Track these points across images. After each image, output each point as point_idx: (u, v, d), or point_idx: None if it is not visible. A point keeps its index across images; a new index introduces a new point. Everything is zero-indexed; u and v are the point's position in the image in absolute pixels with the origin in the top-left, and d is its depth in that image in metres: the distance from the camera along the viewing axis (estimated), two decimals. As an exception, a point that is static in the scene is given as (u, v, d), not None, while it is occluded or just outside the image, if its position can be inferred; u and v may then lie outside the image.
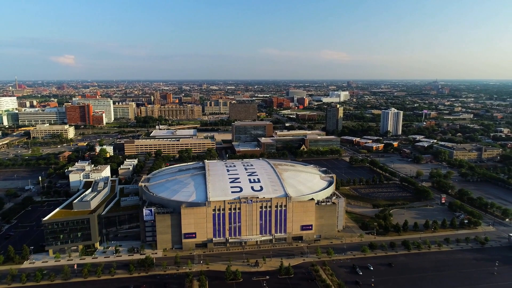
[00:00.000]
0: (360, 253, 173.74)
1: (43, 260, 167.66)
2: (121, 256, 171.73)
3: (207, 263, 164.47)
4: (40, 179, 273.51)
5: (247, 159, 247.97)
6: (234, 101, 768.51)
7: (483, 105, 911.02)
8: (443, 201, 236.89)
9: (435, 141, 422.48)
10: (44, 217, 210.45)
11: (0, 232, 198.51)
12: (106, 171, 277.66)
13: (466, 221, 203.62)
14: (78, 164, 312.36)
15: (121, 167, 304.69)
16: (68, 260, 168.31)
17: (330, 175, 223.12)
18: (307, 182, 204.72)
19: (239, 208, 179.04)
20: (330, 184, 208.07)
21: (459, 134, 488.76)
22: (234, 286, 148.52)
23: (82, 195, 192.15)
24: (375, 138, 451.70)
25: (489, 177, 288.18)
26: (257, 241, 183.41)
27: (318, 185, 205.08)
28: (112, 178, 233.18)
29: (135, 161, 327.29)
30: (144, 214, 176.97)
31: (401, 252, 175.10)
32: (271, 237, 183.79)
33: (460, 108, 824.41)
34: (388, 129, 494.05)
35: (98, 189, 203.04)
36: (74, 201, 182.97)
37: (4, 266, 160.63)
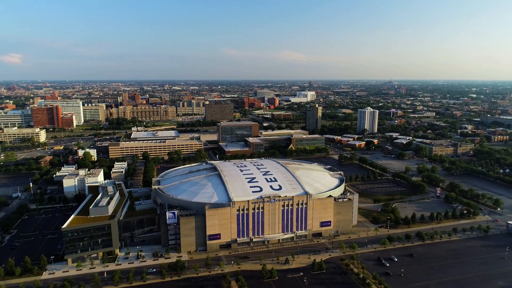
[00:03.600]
0: (380, 245, 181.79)
1: (63, 270, 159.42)
2: (145, 261, 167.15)
3: (238, 263, 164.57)
4: (31, 185, 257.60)
5: (254, 159, 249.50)
6: (207, 102, 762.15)
7: (440, 103, 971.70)
8: (438, 194, 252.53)
9: (411, 138, 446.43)
10: (46, 226, 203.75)
11: (3, 243, 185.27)
12: (100, 175, 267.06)
13: (465, 211, 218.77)
14: (64, 169, 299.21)
15: (113, 170, 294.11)
16: (90, 268, 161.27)
17: (338, 172, 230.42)
18: (321, 180, 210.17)
19: (263, 208, 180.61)
20: (341, 181, 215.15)
21: (429, 131, 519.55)
22: (272, 285, 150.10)
23: (95, 201, 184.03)
24: (356, 136, 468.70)
25: (471, 170, 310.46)
26: (279, 239, 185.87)
27: (331, 182, 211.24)
28: (117, 182, 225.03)
29: (125, 164, 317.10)
30: (167, 217, 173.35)
31: (416, 243, 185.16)
32: (292, 235, 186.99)
33: (421, 107, 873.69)
34: (365, 127, 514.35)
35: (109, 193, 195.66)
36: (91, 207, 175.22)
37: (23, 279, 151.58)
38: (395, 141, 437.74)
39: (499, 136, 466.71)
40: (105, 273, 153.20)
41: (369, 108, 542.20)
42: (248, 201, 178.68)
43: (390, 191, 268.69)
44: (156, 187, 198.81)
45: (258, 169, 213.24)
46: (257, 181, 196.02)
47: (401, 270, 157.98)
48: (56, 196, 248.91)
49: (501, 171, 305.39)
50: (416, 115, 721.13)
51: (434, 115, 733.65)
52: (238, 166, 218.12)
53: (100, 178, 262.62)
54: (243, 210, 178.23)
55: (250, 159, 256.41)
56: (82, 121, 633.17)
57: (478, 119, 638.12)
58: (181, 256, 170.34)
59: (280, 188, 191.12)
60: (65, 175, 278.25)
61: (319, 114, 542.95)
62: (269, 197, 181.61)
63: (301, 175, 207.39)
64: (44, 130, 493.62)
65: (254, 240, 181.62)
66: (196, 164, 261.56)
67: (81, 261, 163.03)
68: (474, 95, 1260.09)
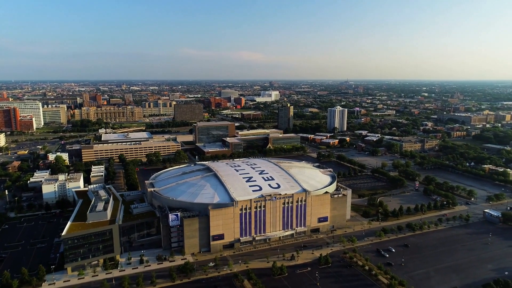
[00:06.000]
0: (375, 238, 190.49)
1: (64, 279, 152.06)
2: (150, 265, 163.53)
3: (246, 262, 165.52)
4: (6, 193, 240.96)
5: (244, 158, 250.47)
6: (174, 102, 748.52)
7: (397, 102, 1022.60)
8: (417, 187, 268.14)
9: (379, 135, 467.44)
10: (31, 235, 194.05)
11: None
12: (81, 180, 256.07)
13: (445, 202, 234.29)
14: (38, 174, 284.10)
15: (92, 174, 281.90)
16: (93, 276, 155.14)
17: (328, 169, 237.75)
18: (315, 177, 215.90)
19: (264, 206, 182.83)
20: (333, 177, 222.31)
21: (394, 128, 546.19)
22: (283, 281, 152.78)
23: (91, 206, 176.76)
24: (328, 134, 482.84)
25: (440, 164, 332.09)
26: (280, 237, 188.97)
27: (324, 179, 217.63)
28: (107, 186, 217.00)
29: (103, 167, 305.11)
30: (170, 220, 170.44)
31: (408, 234, 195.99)
32: (293, 232, 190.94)
33: (381, 105, 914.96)
34: (335, 126, 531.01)
35: (103, 198, 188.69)
36: (88, 212, 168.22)
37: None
38: (365, 138, 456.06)
39: (457, 132, 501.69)
40: (113, 280, 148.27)
41: (338, 107, 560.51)
42: (251, 200, 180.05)
43: (371, 186, 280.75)
44: (152, 189, 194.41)
45: (253, 168, 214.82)
46: (255, 180, 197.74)
47: (401, 260, 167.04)
48: (35, 203, 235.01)
49: (467, 164, 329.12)
50: (378, 113, 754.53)
51: (394, 113, 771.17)
52: (232, 166, 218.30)
53: (81, 183, 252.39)
54: (245, 209, 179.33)
55: (241, 159, 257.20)
56: (42, 123, 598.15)
57: (435, 117, 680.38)
58: (186, 258, 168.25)
59: (279, 186, 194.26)
60: (41, 181, 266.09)
61: (291, 113, 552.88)
62: (270, 195, 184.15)
63: (296, 173, 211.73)
64: (3, 134, 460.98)
65: (256, 238, 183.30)
66: (185, 165, 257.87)
67: (82, 269, 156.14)
68: (426, 94, 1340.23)
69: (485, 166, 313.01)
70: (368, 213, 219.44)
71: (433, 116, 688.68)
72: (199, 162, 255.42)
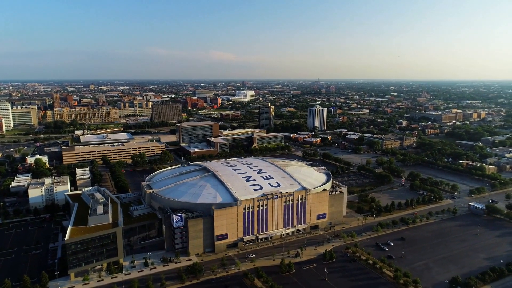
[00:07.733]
0: (373, 232, 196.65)
1: (68, 286, 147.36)
2: (155, 268, 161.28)
3: (253, 261, 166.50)
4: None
5: (238, 158, 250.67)
6: (150, 102, 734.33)
7: (370, 101, 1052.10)
8: (403, 183, 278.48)
9: (359, 133, 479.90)
10: (23, 241, 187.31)
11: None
12: (68, 183, 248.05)
13: (432, 197, 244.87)
14: (19, 178, 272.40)
15: (78, 177, 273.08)
16: (98, 281, 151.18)
17: (322, 167, 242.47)
18: (311, 175, 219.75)
19: (266, 205, 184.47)
20: (328, 175, 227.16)
21: (371, 126, 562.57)
22: (292, 277, 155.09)
23: (91, 209, 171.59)
24: (310, 133, 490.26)
25: (421, 161, 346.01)
26: (281, 235, 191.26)
27: (320, 177, 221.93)
28: (102, 188, 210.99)
29: (87, 170, 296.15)
30: (174, 221, 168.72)
31: (402, 227, 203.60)
32: (293, 229, 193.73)
33: (355, 104, 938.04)
34: (316, 125, 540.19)
35: (100, 201, 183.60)
36: (89, 216, 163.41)
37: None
38: (346, 137, 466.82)
39: (431, 130, 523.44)
40: (123, 283, 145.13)
41: (318, 106, 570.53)
42: (253, 199, 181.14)
43: (359, 183, 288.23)
44: (151, 191, 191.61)
45: (250, 167, 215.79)
46: (255, 180, 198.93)
47: (401, 253, 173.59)
48: (21, 208, 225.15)
49: (446, 160, 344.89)
50: (354, 112, 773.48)
51: (368, 112, 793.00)
52: (229, 166, 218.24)
53: (68, 186, 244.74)
54: (248, 208, 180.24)
55: (234, 158, 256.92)
56: (12, 125, 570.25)
57: (408, 115, 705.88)
58: (191, 259, 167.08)
59: (278, 185, 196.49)
60: (24, 185, 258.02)
61: (272, 113, 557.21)
62: (272, 194, 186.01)
63: (293, 172, 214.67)
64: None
65: (259, 237, 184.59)
66: (178, 166, 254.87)
67: (86, 274, 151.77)
68: (395, 93, 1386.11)
69: (463, 161, 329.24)
70: (361, 209, 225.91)
71: (406, 115, 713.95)
72: (194, 163, 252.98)
